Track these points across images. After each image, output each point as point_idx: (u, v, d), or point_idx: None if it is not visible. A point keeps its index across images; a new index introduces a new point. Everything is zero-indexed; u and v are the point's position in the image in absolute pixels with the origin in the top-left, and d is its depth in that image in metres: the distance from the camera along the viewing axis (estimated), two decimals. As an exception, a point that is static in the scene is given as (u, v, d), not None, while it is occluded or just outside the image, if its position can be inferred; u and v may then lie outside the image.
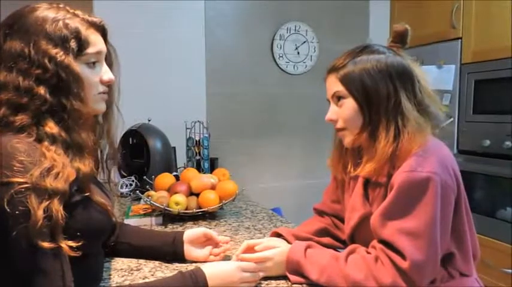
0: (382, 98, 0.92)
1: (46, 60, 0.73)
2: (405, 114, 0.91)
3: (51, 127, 0.74)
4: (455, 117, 2.36)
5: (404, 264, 0.82)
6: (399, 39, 0.99)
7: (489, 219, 2.18)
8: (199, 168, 1.92)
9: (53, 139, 0.73)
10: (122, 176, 1.86)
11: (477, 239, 0.98)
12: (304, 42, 2.69)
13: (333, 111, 0.99)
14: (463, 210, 0.91)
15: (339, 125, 0.99)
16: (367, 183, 0.99)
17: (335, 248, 1.09)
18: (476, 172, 2.26)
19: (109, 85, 0.87)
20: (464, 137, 2.33)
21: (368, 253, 0.90)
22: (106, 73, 0.84)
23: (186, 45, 2.41)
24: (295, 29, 2.66)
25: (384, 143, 0.91)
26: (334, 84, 0.97)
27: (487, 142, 2.17)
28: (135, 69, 1.99)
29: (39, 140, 0.72)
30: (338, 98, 0.97)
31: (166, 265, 1.04)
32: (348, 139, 0.99)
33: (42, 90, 0.73)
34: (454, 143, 2.35)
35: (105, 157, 0.93)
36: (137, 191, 1.51)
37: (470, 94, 2.29)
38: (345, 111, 0.96)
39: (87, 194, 0.77)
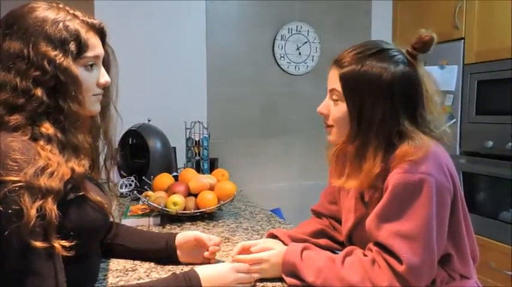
0: (376, 119, 0.88)
1: (45, 62, 0.73)
2: (402, 132, 0.88)
3: (47, 128, 0.73)
4: (457, 118, 2.34)
5: (400, 267, 0.81)
6: (422, 48, 0.91)
7: (492, 221, 2.16)
8: (199, 168, 1.91)
9: (49, 139, 0.73)
10: (122, 176, 1.86)
11: (475, 241, 0.96)
12: (306, 42, 2.68)
13: (326, 105, 0.97)
14: (460, 211, 0.90)
15: (329, 121, 0.97)
16: None
17: (333, 250, 1.08)
18: (479, 173, 2.24)
19: (106, 86, 0.86)
20: (467, 138, 2.31)
21: (365, 255, 0.89)
22: (103, 76, 0.84)
23: (187, 46, 2.41)
24: (296, 30, 2.65)
25: (371, 165, 0.87)
26: (333, 81, 0.94)
27: (490, 143, 2.15)
28: (135, 69, 2.00)
29: (34, 139, 0.72)
30: (334, 95, 0.95)
31: (162, 266, 1.03)
32: (331, 137, 0.98)
33: (39, 91, 0.73)
34: (456, 144, 2.33)
35: (103, 157, 0.92)
36: (135, 192, 1.51)
37: (473, 95, 2.27)
38: (337, 112, 0.94)
39: (82, 193, 0.77)
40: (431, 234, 0.83)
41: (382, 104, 0.87)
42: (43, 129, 0.73)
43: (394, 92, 0.87)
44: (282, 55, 2.63)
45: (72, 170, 0.74)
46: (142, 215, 1.44)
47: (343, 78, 0.91)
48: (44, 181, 0.66)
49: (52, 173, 0.68)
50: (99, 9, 2.14)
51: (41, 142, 0.72)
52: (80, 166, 0.76)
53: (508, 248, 2.05)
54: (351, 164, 0.92)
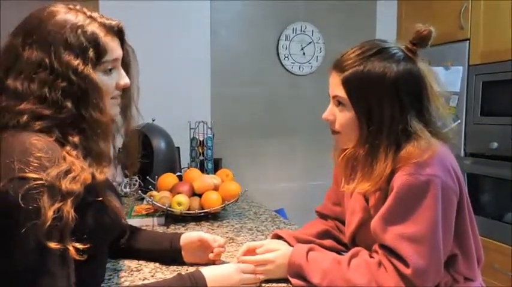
0: (385, 119, 0.86)
1: (70, 72, 0.72)
2: (410, 132, 0.87)
3: (72, 135, 0.73)
4: (462, 119, 2.33)
5: (407, 271, 0.80)
6: (420, 42, 0.90)
7: (496, 222, 2.16)
8: (203, 168, 1.91)
9: (74, 146, 0.73)
10: (126, 176, 1.86)
11: (480, 243, 0.95)
12: (310, 43, 2.68)
13: (331, 112, 0.96)
14: (466, 212, 0.89)
15: (336, 128, 0.95)
16: None
17: (338, 251, 1.08)
18: (484, 174, 2.23)
19: (125, 88, 0.85)
20: (472, 139, 2.30)
21: (371, 256, 0.89)
22: (122, 78, 0.83)
23: (191, 45, 2.41)
24: (301, 30, 2.65)
25: (382, 167, 0.86)
26: (336, 87, 0.92)
27: (495, 144, 2.14)
28: (140, 68, 1.99)
29: (60, 143, 0.71)
30: (338, 101, 0.93)
31: (167, 266, 1.03)
32: (341, 145, 0.97)
33: (69, 103, 0.72)
34: (461, 146, 2.32)
35: (119, 158, 0.91)
36: (139, 191, 1.51)
37: (478, 96, 2.26)
38: (343, 118, 0.93)
39: (100, 198, 0.77)
40: (438, 236, 0.82)
41: (390, 104, 0.87)
42: (69, 137, 0.73)
43: (399, 90, 0.87)
44: (286, 55, 2.63)
45: (93, 176, 0.74)
46: (147, 215, 1.44)
47: (347, 83, 0.90)
48: (65, 184, 0.66)
49: (74, 177, 0.68)
50: (104, 9, 2.14)
51: (68, 147, 0.72)
52: (102, 173, 0.76)
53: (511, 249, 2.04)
54: (363, 167, 0.91)
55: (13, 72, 0.72)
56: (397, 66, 0.87)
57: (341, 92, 0.91)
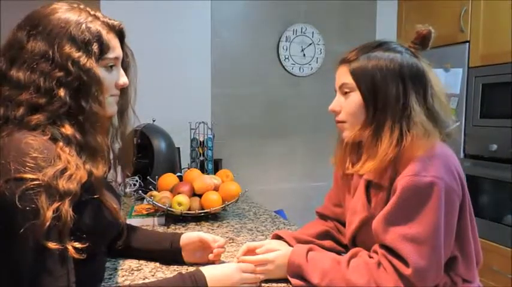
0: (390, 98, 0.90)
1: (69, 63, 0.73)
2: (412, 118, 0.89)
3: (67, 129, 0.74)
4: (462, 121, 2.34)
5: (407, 271, 0.81)
6: (421, 42, 0.96)
7: (495, 224, 2.16)
8: (203, 169, 1.91)
9: (68, 140, 0.73)
10: (127, 176, 1.86)
11: (480, 245, 0.96)
12: (310, 44, 2.68)
13: (337, 102, 0.98)
14: (467, 214, 0.90)
15: (340, 117, 0.98)
16: (369, 186, 0.97)
17: (337, 252, 1.08)
18: (483, 176, 2.23)
19: (124, 88, 0.87)
20: (471, 142, 2.30)
21: (370, 257, 0.89)
22: (121, 77, 0.85)
23: (191, 46, 2.41)
24: (301, 31, 2.65)
25: (387, 145, 0.89)
26: (343, 76, 0.96)
27: (494, 147, 2.15)
28: (140, 69, 2.00)
29: (54, 139, 0.72)
30: (345, 89, 0.96)
31: (167, 266, 1.03)
32: (346, 133, 0.98)
33: (62, 92, 0.73)
34: (460, 147, 2.33)
35: (117, 158, 0.92)
36: (140, 191, 1.51)
37: (477, 98, 2.27)
38: (349, 104, 0.95)
39: (97, 196, 0.77)
40: (439, 238, 0.83)
41: (394, 85, 0.90)
42: (63, 130, 0.73)
43: (404, 75, 0.90)
44: (287, 56, 2.64)
45: (90, 173, 0.74)
46: (147, 215, 1.44)
47: (354, 70, 0.94)
48: (62, 184, 0.66)
49: (71, 176, 0.69)
50: (105, 9, 2.14)
51: (60, 143, 0.72)
52: (98, 169, 0.76)
53: (510, 251, 2.05)
54: (368, 148, 0.94)
55: (17, 63, 0.73)
56: (401, 56, 0.92)
57: (348, 79, 0.95)
